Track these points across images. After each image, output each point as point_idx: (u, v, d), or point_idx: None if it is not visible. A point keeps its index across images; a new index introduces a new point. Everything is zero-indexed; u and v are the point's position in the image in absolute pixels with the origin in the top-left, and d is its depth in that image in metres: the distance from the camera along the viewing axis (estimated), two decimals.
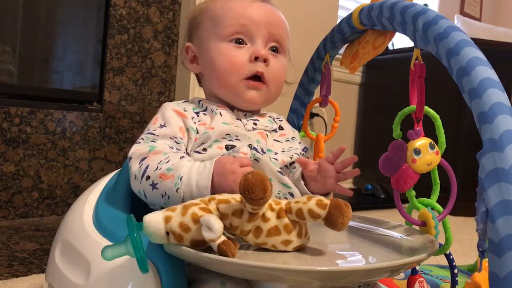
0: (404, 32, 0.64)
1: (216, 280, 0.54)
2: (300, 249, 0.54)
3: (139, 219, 0.51)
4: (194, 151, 0.67)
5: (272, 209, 0.53)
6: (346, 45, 0.85)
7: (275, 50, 0.74)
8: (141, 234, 0.49)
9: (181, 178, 0.59)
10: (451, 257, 0.67)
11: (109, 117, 1.61)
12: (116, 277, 0.55)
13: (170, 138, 0.66)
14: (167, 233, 0.50)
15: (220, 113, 0.70)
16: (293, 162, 0.74)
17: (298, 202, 0.53)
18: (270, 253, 0.53)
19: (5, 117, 1.38)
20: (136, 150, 0.64)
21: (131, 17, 1.64)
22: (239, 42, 0.71)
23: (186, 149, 0.67)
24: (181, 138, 0.67)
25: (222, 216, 0.52)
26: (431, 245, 0.57)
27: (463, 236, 1.50)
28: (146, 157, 0.63)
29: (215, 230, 0.48)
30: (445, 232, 0.64)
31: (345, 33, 0.81)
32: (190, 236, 0.50)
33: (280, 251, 0.53)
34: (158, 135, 0.66)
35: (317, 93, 0.91)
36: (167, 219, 0.50)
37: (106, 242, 0.58)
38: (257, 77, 0.71)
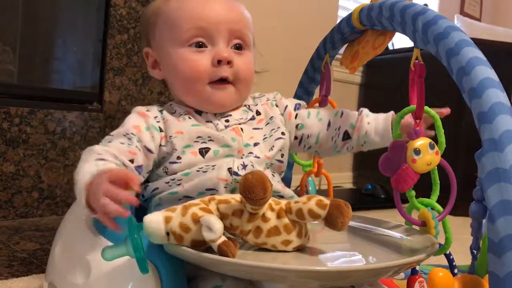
0: (403, 32, 0.64)
1: (216, 276, 0.54)
2: (300, 249, 0.54)
3: (139, 219, 0.51)
4: (169, 162, 0.66)
5: (272, 209, 0.53)
6: (346, 45, 0.85)
7: (239, 47, 0.70)
8: (141, 235, 0.49)
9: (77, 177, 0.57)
10: (451, 257, 0.67)
11: (109, 117, 1.61)
12: (116, 277, 0.55)
13: (123, 135, 0.65)
14: (167, 234, 0.50)
15: (188, 117, 0.69)
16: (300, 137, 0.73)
17: (298, 202, 0.53)
18: (270, 253, 0.53)
19: (5, 117, 1.38)
20: (88, 148, 0.64)
21: (131, 17, 1.64)
22: (199, 45, 0.68)
23: (147, 146, 0.65)
24: (133, 134, 0.65)
25: (222, 216, 0.52)
26: (431, 245, 0.57)
27: (463, 236, 1.50)
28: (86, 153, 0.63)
29: (215, 230, 0.48)
30: (445, 232, 0.64)
31: (345, 33, 0.81)
32: (191, 237, 0.50)
33: (280, 251, 0.53)
34: (113, 135, 0.66)
35: (317, 93, 0.91)
36: (167, 220, 0.50)
37: (105, 242, 0.58)
38: (222, 79, 0.69)
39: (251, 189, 0.48)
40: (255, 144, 0.69)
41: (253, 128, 0.71)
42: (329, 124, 0.74)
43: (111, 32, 1.59)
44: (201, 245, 0.50)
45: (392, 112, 0.70)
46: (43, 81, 1.58)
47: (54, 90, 1.57)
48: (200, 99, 0.69)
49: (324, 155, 0.80)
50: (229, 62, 0.67)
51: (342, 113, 0.74)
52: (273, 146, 0.69)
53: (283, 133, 0.71)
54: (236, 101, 0.71)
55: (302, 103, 0.78)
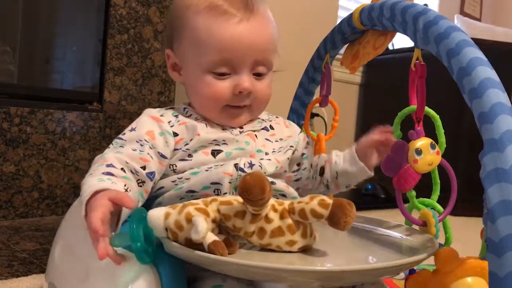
0: (404, 32, 0.64)
1: (217, 276, 0.54)
2: (306, 249, 0.54)
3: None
4: (179, 160, 0.66)
5: (275, 210, 0.53)
6: (347, 45, 0.85)
7: (260, 74, 0.70)
8: (141, 227, 0.50)
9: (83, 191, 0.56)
10: None
11: (109, 117, 1.61)
12: (115, 277, 0.55)
13: (136, 141, 0.65)
14: (166, 229, 0.51)
15: (206, 124, 0.70)
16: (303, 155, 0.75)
17: (301, 202, 0.53)
18: (276, 253, 0.53)
19: (5, 117, 1.38)
20: (100, 154, 0.64)
21: (131, 17, 1.64)
22: (222, 74, 0.68)
23: (160, 152, 0.65)
24: (146, 141, 0.65)
25: (224, 218, 0.52)
26: (431, 245, 0.57)
27: (464, 236, 1.50)
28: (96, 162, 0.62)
29: (198, 231, 0.48)
30: (445, 232, 0.64)
31: (346, 33, 0.81)
32: (184, 235, 0.51)
33: (285, 251, 0.53)
34: (125, 140, 0.66)
35: (317, 93, 0.91)
36: (166, 216, 0.51)
37: None
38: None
39: (249, 190, 0.48)
40: (266, 153, 0.70)
41: (265, 138, 0.72)
42: (311, 165, 0.77)
43: (111, 32, 1.59)
44: (194, 243, 0.50)
45: (354, 145, 0.72)
46: (43, 81, 1.58)
47: (54, 90, 1.57)
48: (216, 116, 0.70)
49: (304, 192, 0.80)
50: (249, 93, 0.69)
51: (319, 156, 0.79)
52: (284, 154, 0.72)
53: (291, 146, 0.73)
54: (250, 119, 0.73)
55: (311, 141, 0.81)
